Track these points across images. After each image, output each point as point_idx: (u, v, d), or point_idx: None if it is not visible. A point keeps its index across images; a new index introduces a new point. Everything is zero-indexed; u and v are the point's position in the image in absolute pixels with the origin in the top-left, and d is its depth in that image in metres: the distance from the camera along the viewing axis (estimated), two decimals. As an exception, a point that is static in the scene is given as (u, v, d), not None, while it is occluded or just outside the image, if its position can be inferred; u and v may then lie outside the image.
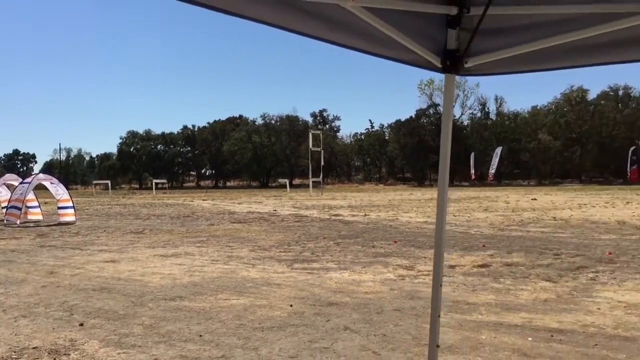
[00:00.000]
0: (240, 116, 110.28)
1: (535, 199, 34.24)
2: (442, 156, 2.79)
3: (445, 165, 2.81)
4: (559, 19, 2.20)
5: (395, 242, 13.86)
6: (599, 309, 6.77)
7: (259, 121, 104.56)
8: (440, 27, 2.44)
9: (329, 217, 22.83)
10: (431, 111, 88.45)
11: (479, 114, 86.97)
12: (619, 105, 75.06)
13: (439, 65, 2.52)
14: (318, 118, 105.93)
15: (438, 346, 3.02)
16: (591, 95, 77.19)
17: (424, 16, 2.32)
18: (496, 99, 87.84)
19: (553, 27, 2.22)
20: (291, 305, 7.11)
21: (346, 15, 2.12)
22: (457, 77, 2.72)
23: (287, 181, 66.14)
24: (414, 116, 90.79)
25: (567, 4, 2.12)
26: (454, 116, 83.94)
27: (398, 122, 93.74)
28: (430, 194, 47.58)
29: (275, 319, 6.47)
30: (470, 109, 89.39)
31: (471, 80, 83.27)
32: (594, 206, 26.47)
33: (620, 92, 75.59)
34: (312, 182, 55.02)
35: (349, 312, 6.72)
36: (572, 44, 2.26)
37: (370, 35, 2.29)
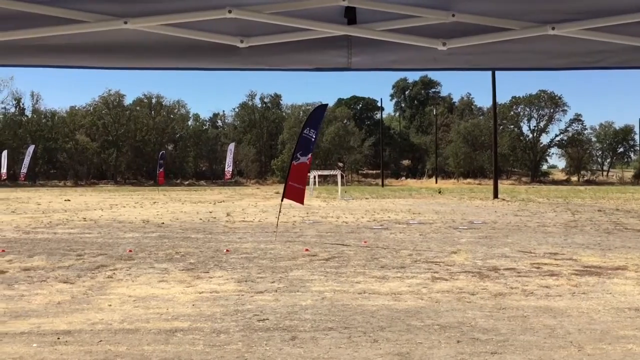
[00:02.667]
0: None
1: (68, 200, 33.66)
2: None
3: None
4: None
5: None
6: (110, 305, 7.08)
7: None
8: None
9: None
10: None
11: (12, 110, 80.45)
12: (152, 112, 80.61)
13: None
14: None
15: None
16: (127, 100, 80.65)
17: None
18: (32, 95, 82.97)
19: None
20: None
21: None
22: None
23: None
24: None
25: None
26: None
27: None
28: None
29: None
30: (2, 103, 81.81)
31: (4, 72, 76.35)
32: (124, 206, 27.66)
33: (154, 100, 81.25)
34: None
35: None
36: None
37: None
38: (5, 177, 60.32)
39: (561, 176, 77.88)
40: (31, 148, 55.11)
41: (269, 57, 2.11)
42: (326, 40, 2.07)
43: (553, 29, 1.94)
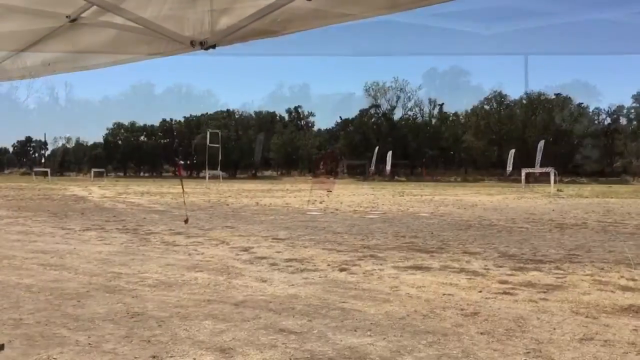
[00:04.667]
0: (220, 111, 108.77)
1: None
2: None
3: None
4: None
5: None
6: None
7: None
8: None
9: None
10: (372, 111, 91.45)
11: (418, 116, 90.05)
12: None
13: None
14: (293, 114, 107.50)
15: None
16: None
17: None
18: (430, 102, 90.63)
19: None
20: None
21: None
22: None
23: (215, 172, 64.07)
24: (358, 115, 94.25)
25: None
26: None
27: (346, 120, 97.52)
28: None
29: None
30: (410, 110, 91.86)
31: (413, 83, 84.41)
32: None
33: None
34: (210, 174, 57.89)
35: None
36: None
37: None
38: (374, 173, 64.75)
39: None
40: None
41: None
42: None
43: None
